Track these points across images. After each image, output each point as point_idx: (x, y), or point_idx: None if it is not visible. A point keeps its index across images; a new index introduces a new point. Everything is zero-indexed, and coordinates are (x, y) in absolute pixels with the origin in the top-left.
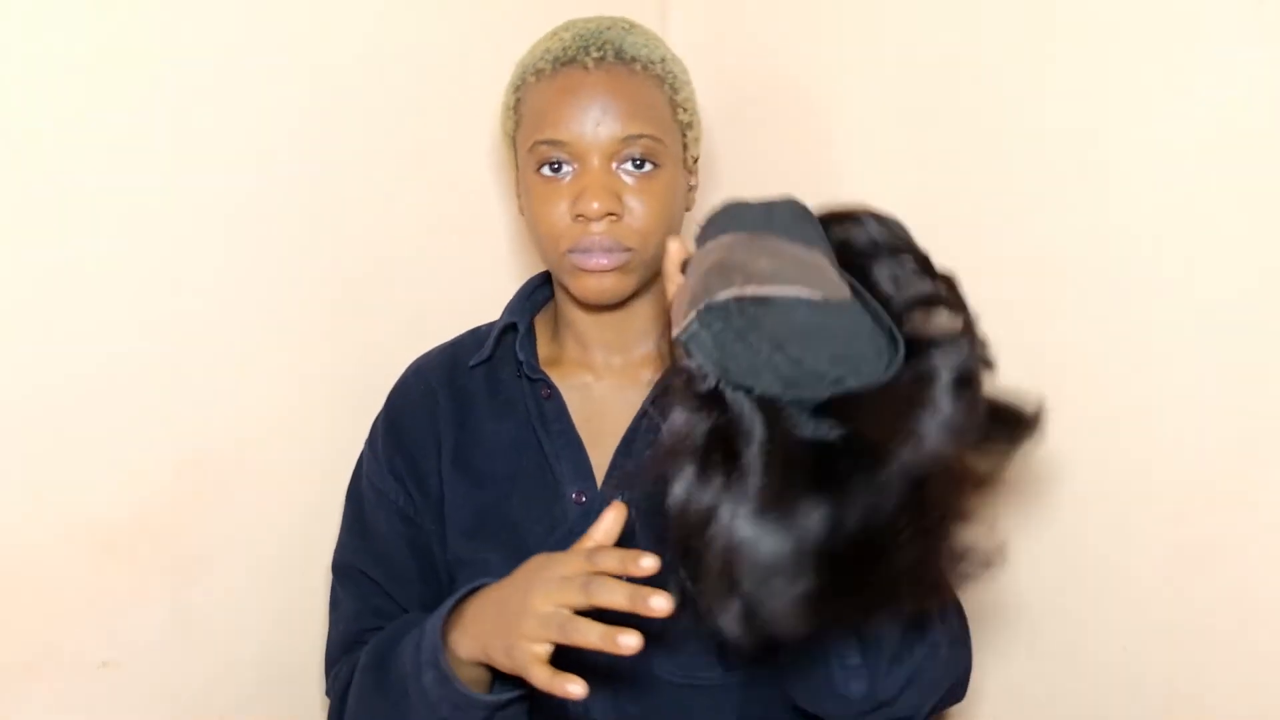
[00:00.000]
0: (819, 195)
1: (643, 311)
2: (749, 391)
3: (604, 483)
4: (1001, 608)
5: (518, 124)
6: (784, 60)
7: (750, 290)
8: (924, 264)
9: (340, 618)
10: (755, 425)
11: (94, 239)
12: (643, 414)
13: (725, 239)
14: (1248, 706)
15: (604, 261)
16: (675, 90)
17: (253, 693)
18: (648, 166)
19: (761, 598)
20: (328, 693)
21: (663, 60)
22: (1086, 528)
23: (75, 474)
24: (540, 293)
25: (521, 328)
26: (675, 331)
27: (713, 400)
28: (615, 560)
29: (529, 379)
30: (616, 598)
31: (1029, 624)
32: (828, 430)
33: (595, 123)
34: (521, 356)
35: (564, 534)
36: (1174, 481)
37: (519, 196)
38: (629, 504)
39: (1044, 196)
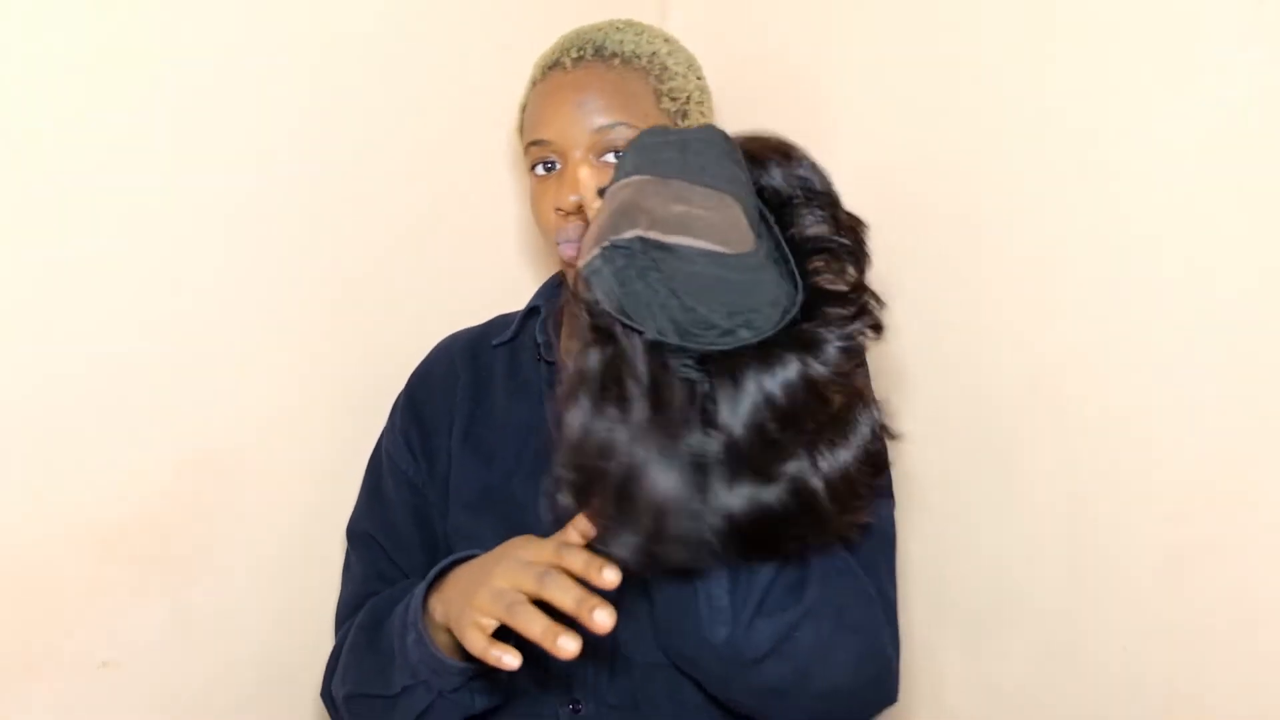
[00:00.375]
0: None
1: None
2: (640, 333)
3: None
4: (1001, 608)
5: (520, 133)
6: (784, 61)
7: (654, 235)
8: (833, 211)
9: (349, 579)
10: (640, 365)
11: (94, 239)
12: None
13: (636, 179)
14: (1248, 706)
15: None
16: (662, 80)
17: (252, 693)
18: None
19: (659, 528)
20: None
21: (652, 55)
22: (1086, 528)
23: (75, 474)
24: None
25: (545, 312)
26: (580, 262)
27: (607, 335)
28: (580, 562)
29: (546, 362)
30: (566, 599)
31: (1029, 624)
32: (702, 378)
33: (572, 118)
34: (540, 339)
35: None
36: (1174, 481)
37: None
38: None
39: (1044, 196)
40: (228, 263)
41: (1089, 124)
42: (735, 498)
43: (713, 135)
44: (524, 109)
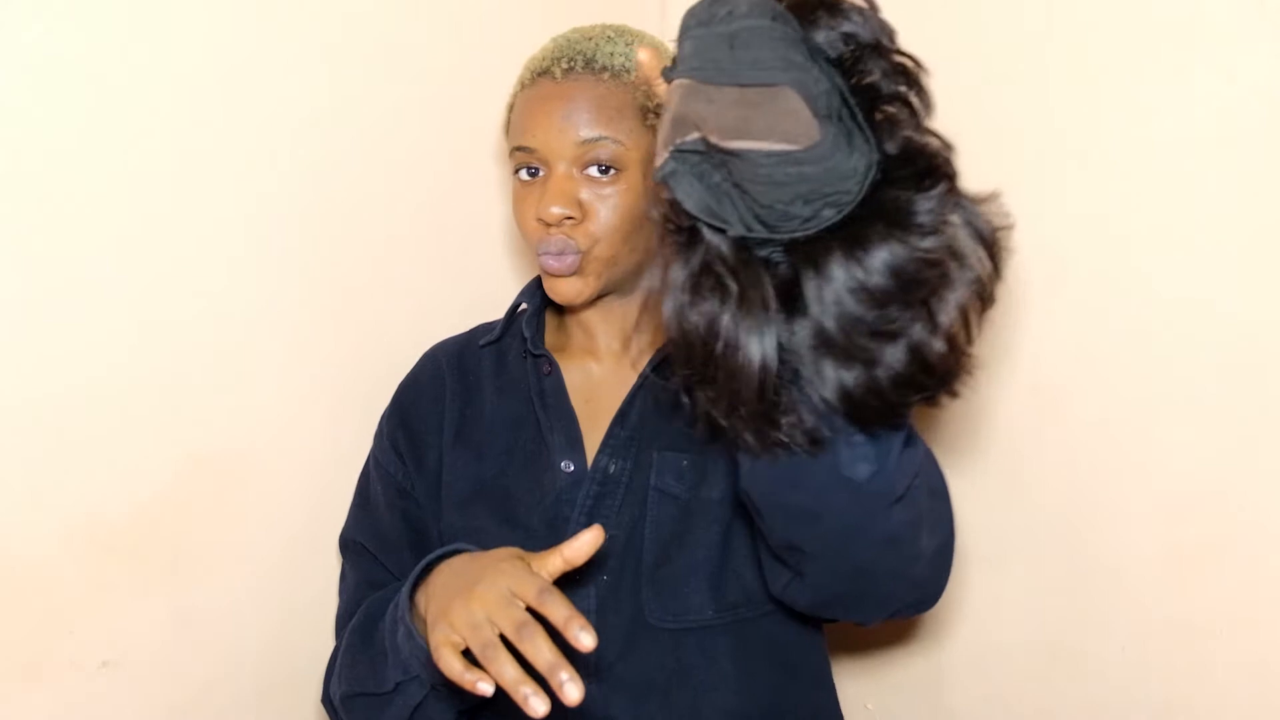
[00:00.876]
0: None
1: (635, 307)
2: (722, 231)
3: (599, 450)
4: (1002, 608)
5: (506, 132)
6: None
7: (715, 139)
8: (887, 60)
9: (345, 589)
10: (731, 259)
11: (95, 240)
12: (639, 385)
13: (682, 85)
14: (1248, 707)
15: (555, 264)
16: (650, 96)
17: (253, 693)
18: (611, 171)
19: (771, 407)
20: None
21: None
22: (1087, 528)
23: (75, 474)
24: None
25: (530, 309)
26: (654, 170)
27: (692, 236)
28: (562, 615)
29: (532, 355)
30: (540, 660)
31: (1029, 624)
32: (789, 269)
33: (558, 129)
34: (527, 334)
35: (552, 500)
36: (1174, 481)
37: None
38: (618, 473)
39: (1044, 196)
40: (228, 263)
41: (1089, 123)
42: (842, 378)
43: (762, 17)
44: (511, 109)
